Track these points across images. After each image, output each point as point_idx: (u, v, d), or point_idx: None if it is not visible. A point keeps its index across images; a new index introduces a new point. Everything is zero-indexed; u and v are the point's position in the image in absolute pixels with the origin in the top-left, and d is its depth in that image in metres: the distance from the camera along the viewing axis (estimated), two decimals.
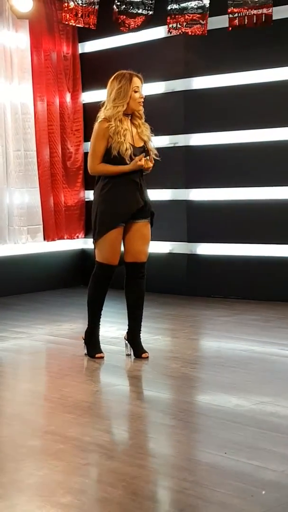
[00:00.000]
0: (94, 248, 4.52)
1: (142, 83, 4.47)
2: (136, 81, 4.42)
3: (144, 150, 4.46)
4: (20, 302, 6.94)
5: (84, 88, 7.91)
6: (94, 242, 4.49)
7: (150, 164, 4.40)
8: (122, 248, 4.54)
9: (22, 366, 4.78)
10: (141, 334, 4.63)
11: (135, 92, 4.40)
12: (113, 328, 5.45)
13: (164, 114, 7.15)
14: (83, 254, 7.94)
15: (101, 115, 4.43)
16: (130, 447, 3.03)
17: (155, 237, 7.28)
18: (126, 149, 4.34)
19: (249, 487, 2.58)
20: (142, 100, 4.44)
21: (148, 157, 4.42)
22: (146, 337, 5.20)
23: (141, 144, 4.47)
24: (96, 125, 4.43)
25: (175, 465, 2.84)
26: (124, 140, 4.34)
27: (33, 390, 4.07)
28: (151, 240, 4.62)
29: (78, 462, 2.84)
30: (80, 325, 5.34)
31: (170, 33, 6.67)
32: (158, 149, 7.12)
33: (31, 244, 7.46)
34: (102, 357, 4.55)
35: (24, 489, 2.61)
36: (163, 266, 7.27)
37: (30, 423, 3.42)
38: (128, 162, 4.35)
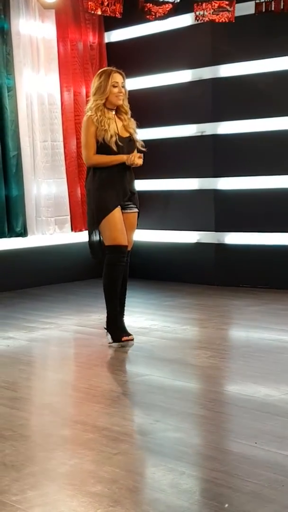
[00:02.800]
0: (92, 233, 4.64)
1: (124, 79, 4.65)
2: (115, 76, 4.61)
3: (130, 140, 4.63)
4: (48, 293, 6.97)
5: None
6: (96, 228, 4.60)
7: (141, 162, 4.57)
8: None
9: (51, 357, 4.81)
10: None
11: (114, 86, 4.57)
12: (141, 318, 5.46)
13: (191, 103, 7.12)
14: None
15: (87, 109, 4.66)
16: (160, 437, 3.03)
17: (183, 227, 7.33)
18: (111, 136, 4.52)
19: (280, 477, 2.56)
20: (121, 94, 4.60)
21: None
22: (174, 327, 5.20)
23: (127, 135, 4.63)
24: (83, 119, 4.65)
25: (205, 455, 2.83)
26: (108, 128, 4.53)
27: (62, 380, 4.09)
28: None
29: (108, 452, 2.85)
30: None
31: (197, 20, 6.61)
32: (185, 138, 7.19)
33: (58, 235, 7.49)
34: (132, 339, 4.57)
35: (55, 478, 2.62)
36: (191, 256, 7.25)
37: (60, 413, 3.44)
38: (114, 148, 4.52)
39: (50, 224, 7.43)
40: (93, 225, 4.62)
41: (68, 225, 7.56)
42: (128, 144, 4.60)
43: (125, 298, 4.72)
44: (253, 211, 6.78)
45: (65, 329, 5.32)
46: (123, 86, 4.62)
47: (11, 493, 2.49)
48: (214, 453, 2.83)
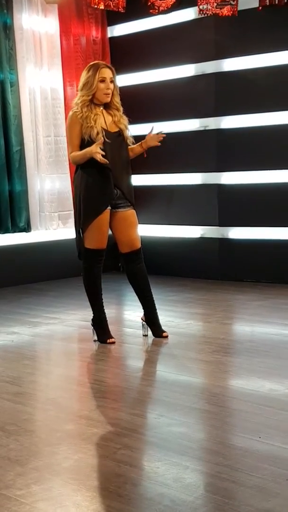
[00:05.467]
0: (78, 235, 4.54)
1: (113, 74, 4.46)
2: (103, 71, 4.41)
3: (120, 135, 4.48)
4: (52, 288, 6.98)
5: None
6: (81, 229, 4.50)
7: (100, 158, 4.25)
8: (114, 235, 4.61)
9: (55, 352, 4.81)
10: (158, 315, 4.71)
11: (102, 81, 4.40)
12: None
13: (194, 97, 7.11)
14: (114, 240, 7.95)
15: (73, 104, 4.53)
16: (164, 431, 3.03)
17: (187, 222, 7.33)
18: (97, 133, 4.36)
19: (284, 471, 2.56)
20: (109, 91, 4.42)
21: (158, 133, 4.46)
22: (178, 322, 5.20)
23: (116, 129, 4.48)
24: (69, 114, 4.51)
25: (209, 449, 2.83)
26: (95, 124, 4.38)
27: (66, 375, 4.10)
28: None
29: (112, 446, 2.85)
30: (112, 310, 5.35)
31: (201, 14, 6.60)
32: (188, 132, 7.17)
33: (62, 230, 7.49)
34: (113, 342, 4.58)
35: (59, 472, 2.63)
36: (195, 250, 7.25)
37: (64, 407, 3.44)
38: (101, 146, 4.33)
39: (54, 219, 7.44)
40: (78, 225, 4.54)
41: (72, 220, 7.51)
42: (116, 139, 4.43)
43: (151, 297, 4.65)
44: (257, 206, 6.77)
45: (69, 324, 5.33)
46: (112, 82, 4.43)
47: (15, 488, 2.49)
48: (218, 448, 2.83)
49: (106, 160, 4.29)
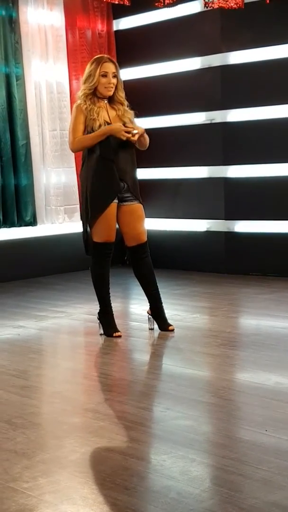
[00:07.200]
0: (86, 228, 4.54)
1: (116, 69, 4.45)
2: (105, 66, 4.42)
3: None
4: (58, 282, 6.99)
5: (119, 66, 7.79)
6: (89, 224, 4.50)
7: (124, 136, 4.29)
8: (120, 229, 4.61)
9: (61, 345, 4.82)
10: (164, 308, 4.70)
11: (103, 76, 4.41)
12: None
13: (200, 90, 7.09)
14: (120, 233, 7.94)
15: (77, 97, 4.55)
16: (170, 424, 3.03)
17: (193, 215, 7.32)
18: (100, 126, 4.37)
19: None
20: (111, 85, 4.42)
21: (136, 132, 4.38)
22: (184, 316, 5.20)
23: (120, 123, 4.45)
24: (73, 106, 4.53)
25: (215, 442, 2.84)
26: (97, 116, 4.39)
27: (72, 369, 4.11)
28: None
29: (119, 440, 2.86)
30: (118, 304, 5.35)
31: (206, 7, 6.56)
32: (194, 126, 7.16)
33: (68, 223, 7.50)
34: (120, 336, 4.57)
35: (66, 465, 2.63)
36: (201, 244, 7.24)
37: (70, 400, 3.45)
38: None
39: (60, 213, 7.44)
40: (86, 220, 4.54)
41: (78, 214, 7.55)
42: None
43: (157, 290, 4.64)
44: (263, 199, 6.76)
45: (76, 318, 5.33)
46: (115, 76, 4.43)
47: (22, 481, 2.50)
48: (225, 441, 2.83)
49: (129, 135, 4.30)
